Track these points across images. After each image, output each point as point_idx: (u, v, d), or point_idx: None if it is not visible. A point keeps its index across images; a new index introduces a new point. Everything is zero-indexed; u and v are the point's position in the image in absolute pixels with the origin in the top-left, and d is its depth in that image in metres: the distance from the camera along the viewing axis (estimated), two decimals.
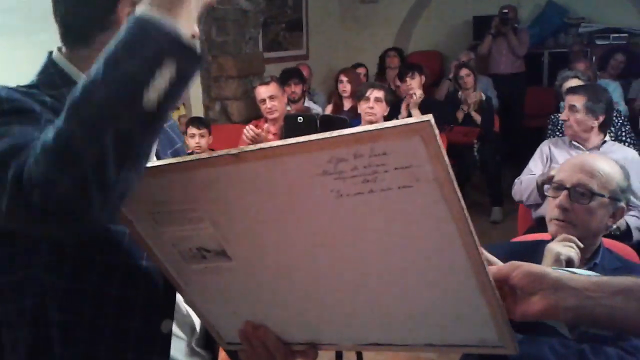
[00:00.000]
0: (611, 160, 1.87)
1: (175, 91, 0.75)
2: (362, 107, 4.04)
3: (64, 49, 1.05)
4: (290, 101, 4.89)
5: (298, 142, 0.70)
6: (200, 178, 0.80)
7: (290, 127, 3.04)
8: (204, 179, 0.79)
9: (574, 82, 3.99)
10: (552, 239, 1.75)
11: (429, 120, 0.64)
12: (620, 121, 3.86)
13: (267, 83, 4.12)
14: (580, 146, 3.22)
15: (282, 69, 5.53)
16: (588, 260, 1.73)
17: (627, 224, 2.71)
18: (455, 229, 0.73)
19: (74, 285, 0.98)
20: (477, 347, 0.89)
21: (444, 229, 0.74)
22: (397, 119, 4.66)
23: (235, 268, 0.88)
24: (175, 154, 1.19)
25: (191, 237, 0.87)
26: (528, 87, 6.94)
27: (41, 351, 0.99)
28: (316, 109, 5.15)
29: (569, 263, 1.49)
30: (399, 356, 2.93)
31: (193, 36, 0.81)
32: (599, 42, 7.08)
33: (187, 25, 0.78)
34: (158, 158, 1.13)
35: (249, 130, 3.59)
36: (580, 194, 1.75)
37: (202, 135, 4.08)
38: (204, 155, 0.79)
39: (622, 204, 1.79)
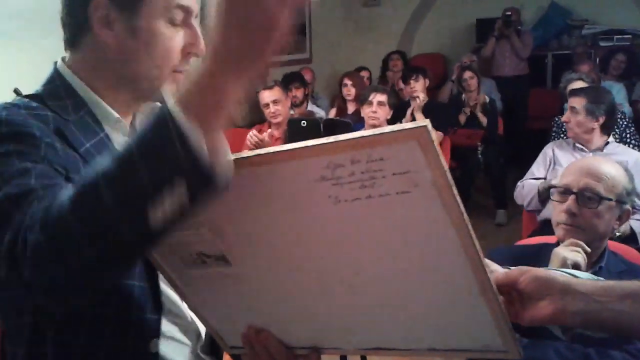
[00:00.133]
0: (615, 163, 1.87)
1: (183, 212, 0.70)
2: (366, 111, 4.04)
3: (66, 58, 1.06)
4: (292, 105, 4.90)
5: (295, 148, 0.70)
6: None
7: (293, 131, 3.05)
8: None
9: (578, 84, 3.99)
10: (558, 242, 1.75)
11: (425, 126, 0.64)
12: (625, 123, 3.86)
13: (270, 87, 4.13)
14: (584, 148, 3.22)
15: (284, 74, 5.54)
16: (593, 263, 1.72)
17: (631, 228, 2.71)
18: (455, 234, 0.73)
19: (70, 308, 0.97)
20: (480, 352, 0.88)
21: (444, 234, 0.73)
22: (400, 122, 4.68)
23: (235, 273, 0.88)
24: None
25: (191, 243, 0.87)
26: (531, 89, 6.93)
27: None
28: (319, 112, 5.15)
29: (576, 267, 1.49)
30: None
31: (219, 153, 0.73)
32: (602, 43, 7.06)
33: (217, 141, 0.71)
34: None
35: (253, 136, 3.60)
36: (587, 198, 1.74)
37: None
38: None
39: (628, 207, 1.79)
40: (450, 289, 0.80)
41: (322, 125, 3.01)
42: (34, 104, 0.98)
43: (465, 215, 0.72)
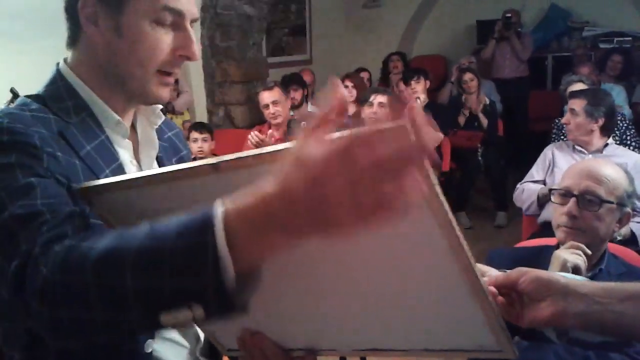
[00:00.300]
0: (616, 165, 1.87)
1: (195, 323, 0.70)
2: (366, 112, 4.04)
3: (68, 58, 1.06)
4: (292, 107, 4.89)
5: (274, 151, 0.69)
6: (182, 188, 0.79)
7: (294, 132, 3.04)
8: (187, 189, 0.79)
9: (578, 87, 3.99)
10: (558, 244, 1.75)
11: (404, 125, 0.62)
12: (625, 125, 3.86)
13: (270, 88, 4.13)
14: (583, 150, 3.22)
15: (283, 75, 5.54)
16: (593, 265, 1.72)
17: (631, 231, 2.71)
18: (441, 234, 0.72)
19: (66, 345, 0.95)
20: (475, 352, 0.89)
21: (430, 235, 0.73)
22: None
23: None
24: (180, 161, 1.19)
25: None
26: (532, 91, 6.93)
27: None
28: None
29: (576, 270, 1.49)
30: None
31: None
32: (602, 45, 7.06)
33: (249, 269, 0.67)
34: (161, 166, 1.13)
35: (254, 136, 3.60)
36: (588, 200, 1.74)
37: (204, 140, 4.09)
38: (184, 165, 0.78)
39: (629, 209, 1.79)
40: (440, 290, 0.80)
41: None
42: (35, 106, 0.97)
43: (450, 214, 0.71)
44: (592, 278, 1.64)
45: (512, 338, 1.59)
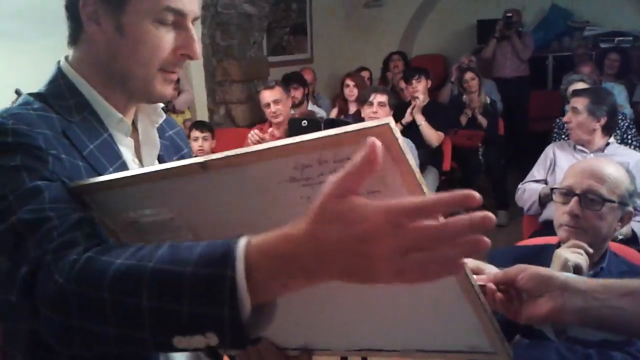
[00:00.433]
0: (617, 164, 1.86)
1: (209, 348, 0.70)
2: (366, 112, 4.04)
3: (69, 56, 1.06)
4: (292, 105, 4.90)
5: (261, 149, 0.70)
6: (172, 187, 0.79)
7: (294, 131, 3.05)
8: (176, 187, 0.79)
9: (579, 86, 3.99)
10: (559, 243, 1.75)
11: (387, 124, 0.63)
12: (626, 124, 3.86)
13: (271, 87, 4.13)
14: (584, 149, 3.22)
15: (283, 74, 5.54)
16: (595, 264, 1.72)
17: (632, 230, 2.70)
18: None
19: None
20: (469, 353, 0.89)
21: None
22: (401, 123, 4.68)
23: None
24: (181, 159, 1.19)
25: None
26: (533, 91, 6.93)
27: None
28: (320, 112, 5.15)
29: (577, 270, 1.49)
30: None
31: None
32: (603, 45, 7.06)
33: (266, 302, 0.69)
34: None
35: (254, 135, 3.60)
36: (590, 200, 1.74)
37: (205, 139, 4.09)
38: (173, 164, 0.78)
39: (630, 208, 1.79)
40: (433, 291, 0.80)
41: (323, 125, 3.01)
42: (37, 105, 0.97)
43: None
44: (593, 277, 1.64)
45: (513, 336, 1.59)
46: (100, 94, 1.03)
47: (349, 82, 5.33)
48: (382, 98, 4.00)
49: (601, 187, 1.74)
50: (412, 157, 0.66)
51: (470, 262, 0.94)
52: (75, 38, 1.03)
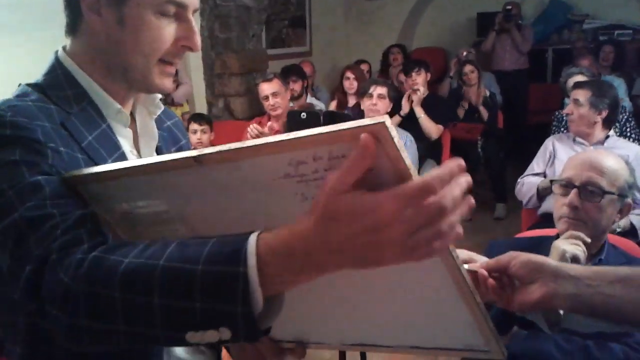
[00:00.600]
0: (617, 156, 1.87)
1: (221, 343, 0.72)
2: (366, 104, 4.03)
3: (67, 46, 1.05)
4: (291, 98, 4.89)
5: (256, 145, 0.69)
6: (165, 180, 0.79)
7: (293, 123, 3.03)
8: (169, 180, 0.79)
9: (578, 79, 3.98)
10: (557, 235, 1.75)
11: (383, 122, 0.63)
12: (625, 117, 3.86)
13: (270, 80, 4.12)
14: (584, 142, 3.22)
15: (282, 67, 5.52)
16: (593, 256, 1.72)
17: (631, 223, 2.71)
18: None
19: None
20: (463, 351, 0.89)
21: None
22: (399, 114, 4.68)
23: None
24: (179, 151, 1.19)
25: (167, 238, 0.86)
26: (532, 84, 6.93)
27: None
28: (319, 105, 5.14)
29: (575, 261, 1.49)
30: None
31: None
32: (602, 38, 7.05)
33: (276, 294, 0.72)
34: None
35: (253, 128, 3.60)
36: (590, 192, 1.74)
37: (203, 132, 4.09)
38: (167, 157, 0.78)
39: (629, 200, 1.79)
40: (427, 288, 0.80)
41: (322, 117, 3.00)
42: (35, 96, 0.96)
43: None
44: None
45: (510, 328, 1.59)
46: (98, 85, 1.03)
47: (349, 74, 5.32)
48: (381, 90, 3.99)
49: (601, 179, 1.74)
50: (407, 155, 0.65)
51: (462, 254, 0.94)
52: (73, 28, 1.03)
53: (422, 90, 4.71)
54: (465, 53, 6.27)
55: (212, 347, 1.18)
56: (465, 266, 0.82)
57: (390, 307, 0.85)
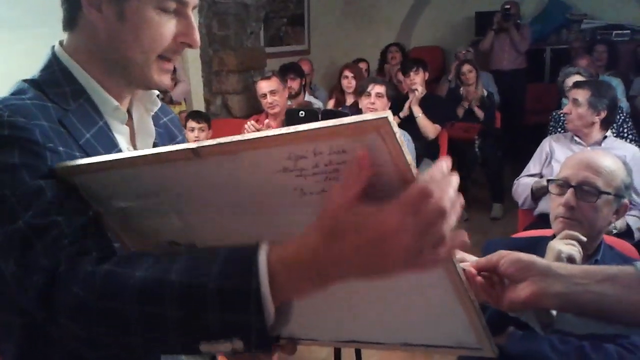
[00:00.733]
0: (614, 157, 1.87)
1: (234, 353, 0.74)
2: (364, 103, 4.03)
3: (64, 41, 1.04)
4: (289, 96, 4.88)
5: (255, 138, 0.69)
6: (162, 172, 0.79)
7: (291, 121, 3.03)
8: (167, 173, 0.78)
9: (576, 78, 3.98)
10: (554, 235, 1.75)
11: (386, 117, 0.62)
12: (622, 117, 3.86)
13: (268, 78, 4.12)
14: (581, 142, 3.22)
15: (280, 65, 5.52)
16: (589, 257, 1.72)
17: (627, 224, 2.71)
18: None
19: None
20: (455, 348, 0.89)
21: None
22: (398, 115, 4.68)
23: None
24: None
25: (162, 231, 0.86)
26: (530, 84, 6.92)
27: None
28: (317, 103, 5.14)
29: (571, 261, 1.49)
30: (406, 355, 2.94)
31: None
32: (600, 38, 7.05)
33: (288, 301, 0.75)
34: None
35: (250, 126, 3.60)
36: (586, 191, 1.74)
37: (201, 129, 4.08)
38: (165, 149, 0.78)
39: (626, 201, 1.79)
40: (422, 286, 0.80)
41: (320, 115, 3.00)
42: (31, 93, 0.95)
43: None
44: None
45: (505, 328, 1.60)
46: (96, 81, 1.02)
47: (348, 73, 5.31)
48: (380, 89, 4.00)
49: (597, 179, 1.74)
50: (408, 151, 0.66)
51: (457, 253, 0.94)
52: (71, 23, 1.02)
53: (420, 90, 4.72)
54: (463, 52, 6.27)
55: None
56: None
57: (383, 305, 0.85)
